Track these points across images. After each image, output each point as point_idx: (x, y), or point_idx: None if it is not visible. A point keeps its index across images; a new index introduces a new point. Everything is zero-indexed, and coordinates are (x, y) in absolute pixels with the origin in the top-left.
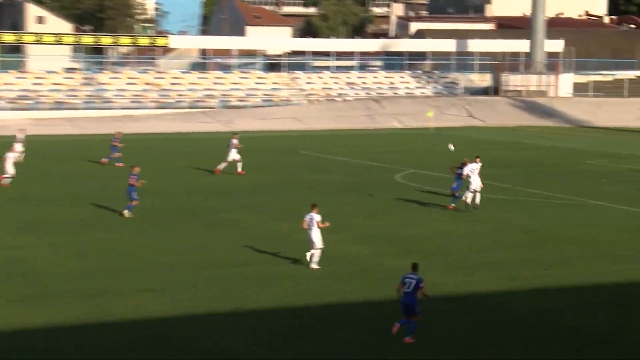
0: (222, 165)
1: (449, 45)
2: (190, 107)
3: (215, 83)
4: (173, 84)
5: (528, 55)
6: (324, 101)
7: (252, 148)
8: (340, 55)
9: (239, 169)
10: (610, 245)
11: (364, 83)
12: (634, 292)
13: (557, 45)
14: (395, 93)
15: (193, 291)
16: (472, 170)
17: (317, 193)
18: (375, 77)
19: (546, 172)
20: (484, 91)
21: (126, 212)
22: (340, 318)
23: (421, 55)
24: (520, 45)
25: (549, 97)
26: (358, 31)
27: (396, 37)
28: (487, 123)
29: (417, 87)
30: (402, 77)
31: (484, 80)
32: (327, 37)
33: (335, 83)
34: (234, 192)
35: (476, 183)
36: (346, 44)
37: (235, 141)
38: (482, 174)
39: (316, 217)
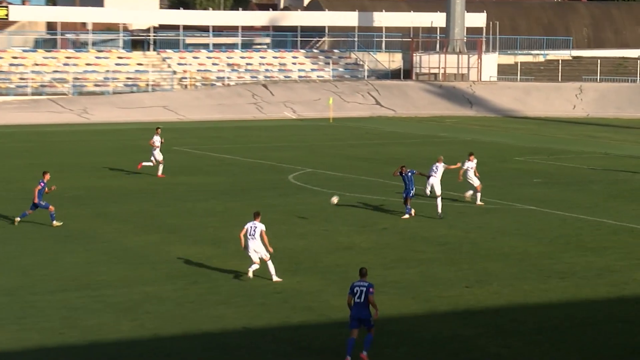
0: (147, 163)
1: (350, 18)
2: (35, 94)
3: (66, 64)
4: (13, 65)
5: (445, 31)
6: (200, 86)
7: (111, 144)
8: (219, 30)
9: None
10: (541, 258)
11: (249, 64)
12: (567, 313)
13: (478, 20)
14: (287, 77)
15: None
16: (470, 168)
17: (192, 199)
18: (262, 58)
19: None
20: (394, 74)
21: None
22: (216, 348)
23: (318, 31)
24: (436, 19)
25: (470, 81)
26: (241, 2)
27: (287, 8)
28: (397, 113)
29: (313, 70)
30: (295, 58)
31: (393, 61)
32: (204, 8)
33: (214, 64)
34: (86, 198)
35: (476, 182)
36: (226, 17)
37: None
38: (387, 174)
39: (260, 226)
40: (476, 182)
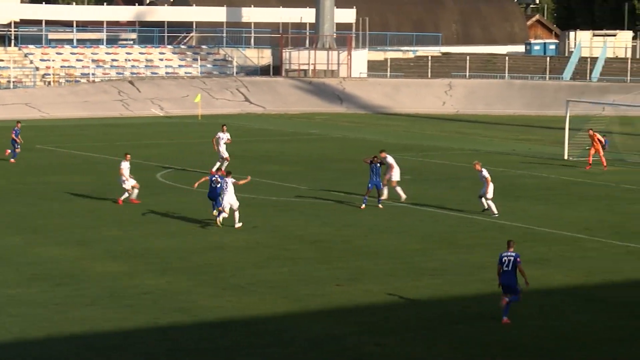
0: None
1: (218, 14)
2: None
3: None
4: None
5: (314, 27)
6: (64, 83)
7: None
8: (84, 26)
9: None
10: (414, 255)
11: (115, 61)
12: (440, 310)
13: (348, 16)
14: (154, 73)
15: None
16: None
17: (58, 199)
18: (128, 54)
19: (338, 169)
20: (263, 71)
21: None
22: (83, 350)
23: (185, 27)
24: (305, 15)
25: (340, 77)
26: None
27: (153, 3)
28: (267, 109)
29: (181, 66)
30: (162, 54)
31: (262, 57)
32: (68, 3)
33: (79, 60)
34: None
35: (492, 189)
36: (90, 12)
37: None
38: (258, 172)
39: (230, 180)
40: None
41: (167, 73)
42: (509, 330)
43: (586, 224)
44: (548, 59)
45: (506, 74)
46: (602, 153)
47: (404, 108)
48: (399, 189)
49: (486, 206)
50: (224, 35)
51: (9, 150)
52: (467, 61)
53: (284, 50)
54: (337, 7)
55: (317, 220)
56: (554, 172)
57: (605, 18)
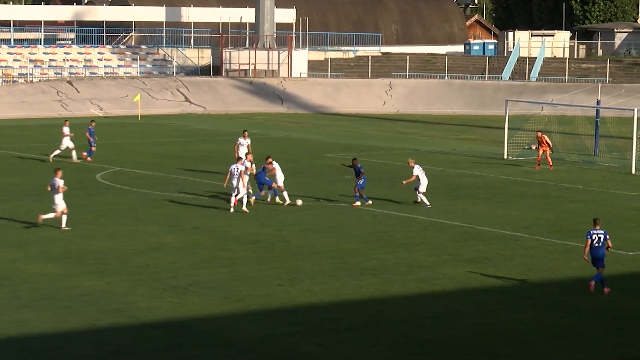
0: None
1: (157, 13)
2: None
3: None
4: None
5: (254, 27)
6: (1, 83)
7: None
8: (21, 25)
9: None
10: (353, 255)
11: (53, 61)
12: (380, 309)
13: (288, 16)
14: (93, 73)
15: None
16: (421, 169)
17: None
18: (66, 54)
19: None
20: (203, 70)
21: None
22: (20, 353)
23: (124, 26)
24: (245, 15)
25: (280, 77)
26: None
27: (91, 3)
28: (207, 109)
29: (120, 66)
30: (101, 54)
31: (202, 57)
32: (5, 2)
33: (16, 60)
34: None
35: (425, 184)
36: (28, 12)
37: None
38: (198, 172)
39: (241, 167)
40: (426, 182)
41: (106, 73)
42: (448, 329)
43: (525, 222)
44: (487, 58)
45: (446, 74)
46: (549, 153)
47: (344, 108)
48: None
49: (419, 199)
50: (164, 35)
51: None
52: (407, 61)
53: (224, 50)
54: (277, 7)
55: (256, 220)
56: (494, 171)
57: (544, 18)
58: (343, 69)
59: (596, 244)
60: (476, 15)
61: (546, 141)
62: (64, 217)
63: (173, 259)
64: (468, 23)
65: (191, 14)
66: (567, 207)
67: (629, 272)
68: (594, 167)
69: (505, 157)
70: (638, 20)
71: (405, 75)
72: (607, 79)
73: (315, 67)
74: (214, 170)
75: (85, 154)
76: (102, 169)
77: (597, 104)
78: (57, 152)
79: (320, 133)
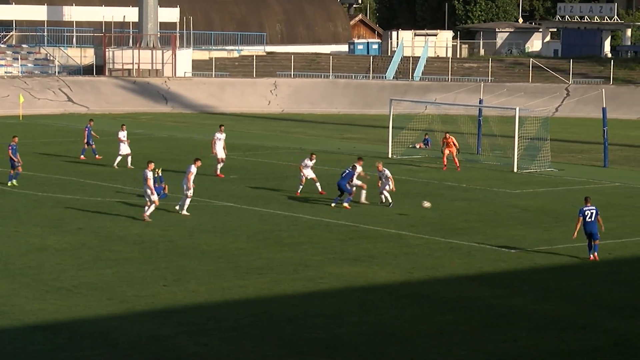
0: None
1: (39, 12)
2: None
3: None
4: None
5: (138, 26)
6: None
7: None
8: None
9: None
10: (239, 254)
11: None
12: (266, 309)
13: (172, 15)
14: None
15: None
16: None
17: None
18: None
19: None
20: (86, 70)
21: None
22: None
23: (5, 25)
24: (128, 14)
25: (164, 77)
26: None
27: None
28: (90, 109)
29: (1, 65)
30: None
31: (85, 56)
32: None
33: None
34: None
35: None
36: None
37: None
38: (81, 172)
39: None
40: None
41: None
42: (333, 327)
43: (410, 220)
44: (371, 58)
45: (330, 73)
46: (455, 154)
47: (229, 107)
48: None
49: (384, 199)
50: (45, 34)
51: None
52: (292, 60)
53: (107, 50)
54: (160, 6)
55: (141, 220)
56: None
57: (427, 18)
58: (227, 69)
59: (589, 219)
60: (360, 15)
61: (453, 142)
62: None
63: (57, 260)
64: (352, 22)
65: (73, 13)
66: (451, 205)
67: (511, 269)
68: (477, 165)
69: (390, 155)
70: (519, 20)
71: (290, 74)
72: (489, 78)
73: (199, 67)
74: (99, 170)
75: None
76: None
77: (480, 103)
78: (123, 157)
79: (205, 133)
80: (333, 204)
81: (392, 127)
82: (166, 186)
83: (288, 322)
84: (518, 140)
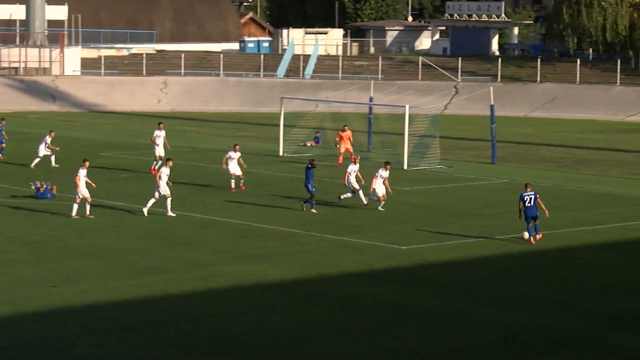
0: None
1: None
2: None
3: None
4: None
5: (25, 24)
6: None
7: None
8: None
9: None
10: (131, 254)
11: None
12: (159, 308)
13: (60, 12)
14: None
15: None
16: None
17: None
18: None
19: (51, 169)
20: None
21: None
22: None
23: None
24: (15, 12)
25: (52, 75)
26: None
27: None
28: None
29: None
30: None
31: None
32: None
33: None
34: None
35: (355, 184)
36: None
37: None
38: None
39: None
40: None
41: None
42: (228, 326)
43: (301, 219)
44: (262, 56)
45: (221, 72)
46: (351, 150)
47: (119, 106)
48: None
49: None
50: None
51: None
52: (182, 59)
53: None
54: (48, 4)
55: (30, 220)
56: (270, 168)
57: (317, 16)
58: (117, 67)
59: (528, 204)
60: (250, 13)
61: (349, 137)
62: None
63: None
64: (242, 21)
65: None
66: (342, 202)
67: (403, 266)
68: (368, 163)
69: (281, 154)
70: (408, 19)
71: (181, 73)
72: (380, 76)
73: (88, 65)
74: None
75: None
76: None
77: (370, 101)
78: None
79: (94, 132)
80: (305, 205)
81: (283, 126)
82: (54, 187)
83: (182, 322)
84: (408, 138)
